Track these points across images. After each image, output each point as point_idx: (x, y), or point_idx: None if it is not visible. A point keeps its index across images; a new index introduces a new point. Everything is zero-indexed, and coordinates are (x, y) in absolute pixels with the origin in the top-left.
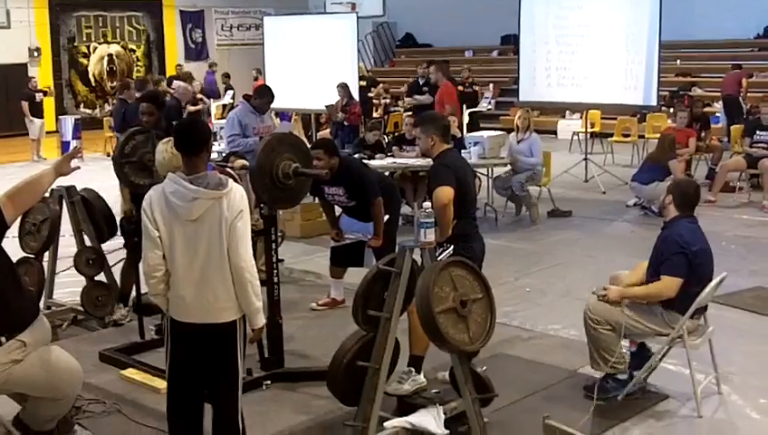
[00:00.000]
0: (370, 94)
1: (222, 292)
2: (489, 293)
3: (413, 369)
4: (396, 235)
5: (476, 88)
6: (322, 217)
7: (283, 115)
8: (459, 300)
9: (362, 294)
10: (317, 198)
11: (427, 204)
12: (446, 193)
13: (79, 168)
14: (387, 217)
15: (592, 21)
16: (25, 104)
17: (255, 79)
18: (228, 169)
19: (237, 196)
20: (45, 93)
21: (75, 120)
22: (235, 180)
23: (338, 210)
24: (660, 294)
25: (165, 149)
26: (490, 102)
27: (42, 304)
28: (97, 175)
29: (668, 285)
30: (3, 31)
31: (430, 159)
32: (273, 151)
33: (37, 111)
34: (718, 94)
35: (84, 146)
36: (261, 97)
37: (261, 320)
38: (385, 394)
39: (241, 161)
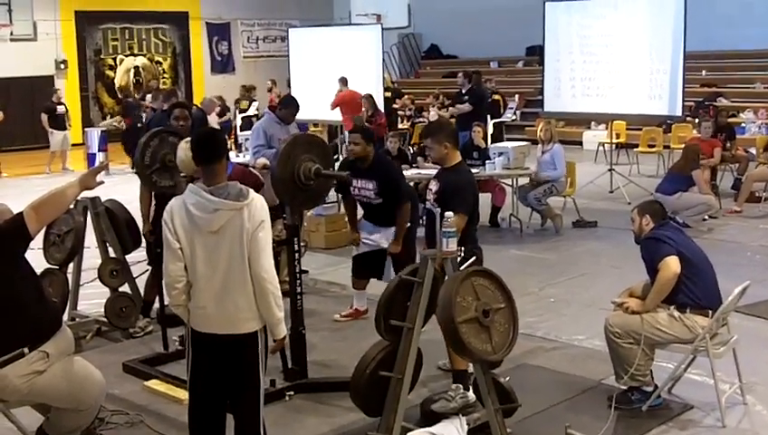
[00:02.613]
0: (395, 106)
1: (243, 302)
2: (512, 302)
3: (460, 385)
4: (415, 244)
5: (497, 97)
6: (347, 227)
7: (302, 127)
8: (482, 310)
9: (385, 304)
10: (341, 195)
11: (449, 213)
12: (463, 221)
13: (103, 182)
14: (407, 224)
15: (616, 30)
16: (45, 117)
17: (270, 90)
18: (251, 169)
19: (258, 206)
20: (67, 109)
21: (101, 132)
22: (258, 180)
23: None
24: (668, 279)
25: (187, 148)
26: (515, 113)
27: (66, 316)
28: (122, 187)
29: (667, 265)
30: (29, 43)
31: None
32: (288, 159)
33: (59, 123)
34: (744, 105)
35: (110, 158)
36: (286, 107)
37: (282, 330)
38: (431, 411)
39: (262, 160)
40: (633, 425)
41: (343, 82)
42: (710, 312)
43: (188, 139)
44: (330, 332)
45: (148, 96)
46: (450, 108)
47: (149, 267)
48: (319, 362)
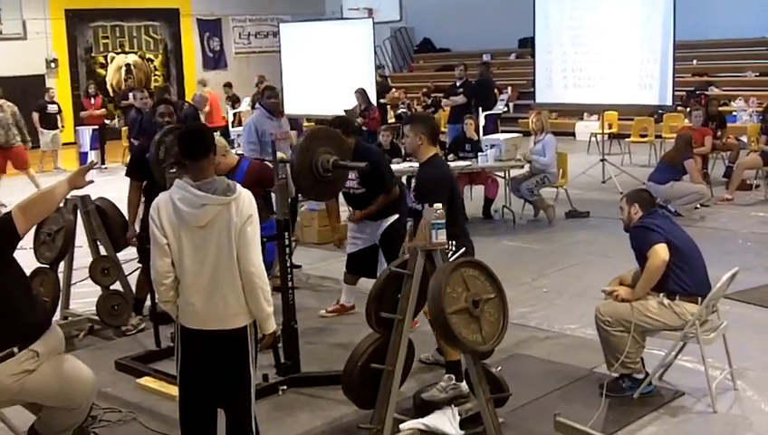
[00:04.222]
0: (383, 100)
1: (232, 298)
2: (501, 292)
3: (453, 376)
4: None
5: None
6: (340, 222)
7: (296, 121)
8: (471, 300)
9: (375, 297)
10: None
11: (438, 204)
12: None
13: (93, 181)
14: (396, 216)
15: (606, 21)
16: (36, 115)
17: (257, 85)
18: (267, 163)
19: (246, 201)
20: (59, 110)
21: (93, 130)
22: (276, 171)
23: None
24: (657, 266)
25: None
26: (506, 105)
27: (58, 315)
28: (114, 185)
29: (655, 253)
30: (19, 42)
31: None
32: (307, 152)
33: (49, 122)
34: (735, 93)
35: (107, 156)
36: (268, 98)
37: (272, 325)
38: (421, 400)
39: (279, 154)
40: (624, 412)
41: (202, 84)
42: (699, 299)
43: None
44: (322, 326)
45: (130, 94)
46: (444, 100)
47: (141, 265)
48: (312, 356)
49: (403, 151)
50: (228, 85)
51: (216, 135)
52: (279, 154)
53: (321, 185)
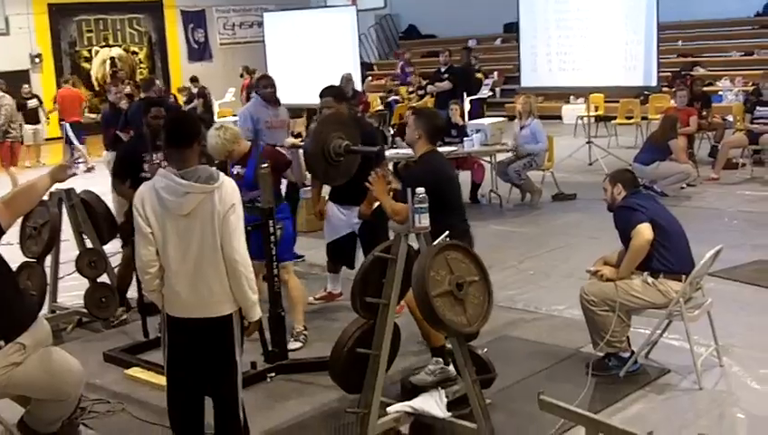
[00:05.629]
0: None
1: (217, 286)
2: (485, 275)
3: (439, 359)
4: (386, 223)
5: (479, 76)
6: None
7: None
8: (455, 283)
9: (360, 282)
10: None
11: (421, 189)
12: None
13: (76, 174)
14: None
15: (590, 3)
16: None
17: (241, 76)
18: (278, 149)
19: (229, 189)
20: (41, 101)
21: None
22: (287, 159)
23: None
24: (641, 246)
25: (218, 135)
26: (491, 90)
27: (46, 308)
28: (99, 178)
29: (639, 232)
30: (2, 38)
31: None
32: (320, 136)
33: (31, 117)
34: (720, 73)
35: (88, 151)
36: (264, 87)
37: (257, 313)
38: (409, 383)
39: (291, 140)
40: (611, 391)
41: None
42: (683, 276)
43: (218, 126)
44: (309, 313)
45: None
46: (429, 87)
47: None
48: None
49: (389, 138)
50: (195, 79)
51: (233, 122)
52: (291, 140)
53: (333, 169)
